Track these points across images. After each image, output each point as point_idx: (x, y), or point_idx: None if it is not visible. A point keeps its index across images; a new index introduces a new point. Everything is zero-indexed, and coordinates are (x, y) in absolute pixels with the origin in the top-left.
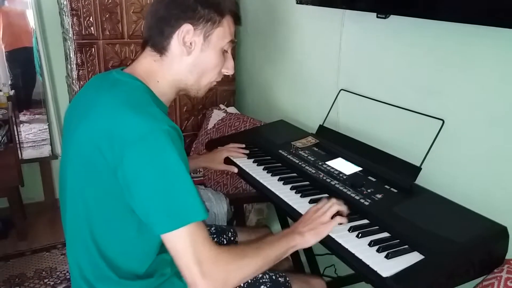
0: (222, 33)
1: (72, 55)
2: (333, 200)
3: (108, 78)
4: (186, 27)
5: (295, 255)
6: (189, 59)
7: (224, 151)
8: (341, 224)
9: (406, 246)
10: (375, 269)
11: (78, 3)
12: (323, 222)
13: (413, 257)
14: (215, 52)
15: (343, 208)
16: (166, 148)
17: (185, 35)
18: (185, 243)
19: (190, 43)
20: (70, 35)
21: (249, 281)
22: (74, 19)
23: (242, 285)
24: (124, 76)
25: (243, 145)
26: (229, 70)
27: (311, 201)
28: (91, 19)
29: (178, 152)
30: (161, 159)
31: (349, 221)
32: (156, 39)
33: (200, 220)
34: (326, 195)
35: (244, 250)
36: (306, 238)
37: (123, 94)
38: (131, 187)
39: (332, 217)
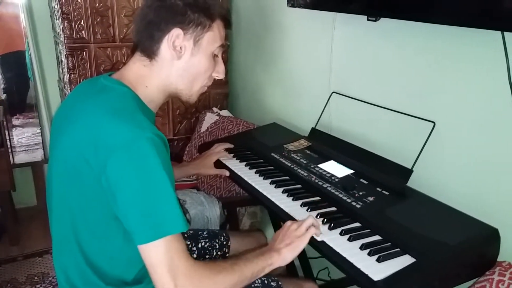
0: (212, 38)
1: (63, 59)
2: (307, 218)
3: (95, 84)
4: (176, 32)
5: None
6: (180, 64)
7: (213, 155)
8: (316, 235)
9: (398, 249)
10: (366, 272)
11: (69, 6)
12: (298, 235)
13: (405, 260)
14: (205, 56)
15: (317, 222)
16: (149, 156)
17: (175, 40)
18: (160, 255)
19: (180, 48)
20: (61, 39)
21: None
22: (65, 23)
23: None
24: (111, 82)
25: (228, 144)
26: (219, 75)
27: (302, 204)
28: (82, 23)
29: (161, 161)
30: (143, 167)
31: (341, 224)
32: (146, 44)
33: (178, 233)
34: (318, 198)
35: (220, 265)
36: (283, 255)
37: (109, 101)
38: (115, 194)
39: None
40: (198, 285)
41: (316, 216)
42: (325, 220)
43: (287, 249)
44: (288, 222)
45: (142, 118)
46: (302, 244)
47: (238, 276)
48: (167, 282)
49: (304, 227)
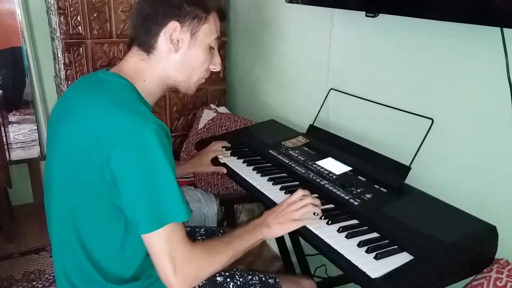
0: (208, 30)
1: (60, 54)
2: (309, 199)
3: (93, 79)
4: (173, 25)
5: (286, 256)
6: (177, 57)
7: (210, 152)
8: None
9: (396, 246)
10: (364, 270)
11: (65, 2)
12: (294, 218)
13: (403, 258)
14: (202, 49)
15: (317, 210)
16: (152, 146)
17: (172, 33)
18: (162, 243)
19: (178, 41)
20: (58, 35)
21: (238, 283)
22: (61, 18)
23: (231, 286)
24: (110, 76)
25: (225, 142)
26: (216, 67)
27: None
28: (78, 18)
29: (164, 152)
30: (146, 157)
31: (339, 221)
32: (143, 38)
33: (180, 221)
34: (316, 195)
35: (216, 246)
36: (273, 230)
37: (109, 93)
38: (119, 185)
39: None
40: (195, 268)
41: (314, 214)
42: (323, 217)
43: (278, 227)
44: (288, 200)
45: (144, 108)
46: (294, 227)
47: (233, 253)
48: (168, 268)
49: (300, 213)
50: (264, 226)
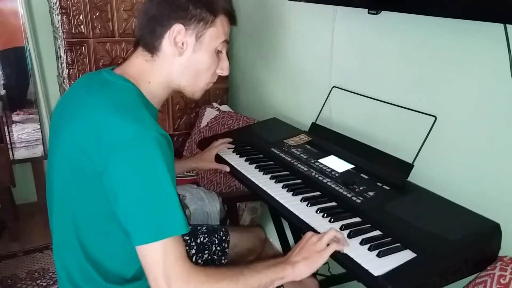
0: (215, 33)
1: (62, 54)
2: (332, 231)
3: (97, 79)
4: (177, 27)
5: None
6: (181, 60)
7: (213, 149)
8: (337, 250)
9: (398, 244)
10: (367, 267)
11: (67, 1)
12: (319, 249)
13: (405, 255)
14: (208, 52)
15: (340, 236)
16: (153, 156)
17: (176, 35)
18: (157, 257)
19: (182, 44)
20: (60, 34)
21: None
22: (64, 18)
23: None
24: (115, 77)
25: (230, 139)
26: (223, 71)
27: (302, 199)
28: (81, 18)
29: (164, 161)
30: (146, 166)
31: (341, 219)
32: (148, 39)
33: (178, 235)
34: (318, 193)
35: (223, 273)
36: (298, 269)
37: (113, 96)
38: (116, 192)
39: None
40: None
41: (316, 212)
42: (325, 215)
43: (303, 264)
44: (308, 234)
45: (147, 115)
46: (321, 260)
47: (242, 284)
48: (162, 285)
49: (325, 241)
50: (286, 264)
